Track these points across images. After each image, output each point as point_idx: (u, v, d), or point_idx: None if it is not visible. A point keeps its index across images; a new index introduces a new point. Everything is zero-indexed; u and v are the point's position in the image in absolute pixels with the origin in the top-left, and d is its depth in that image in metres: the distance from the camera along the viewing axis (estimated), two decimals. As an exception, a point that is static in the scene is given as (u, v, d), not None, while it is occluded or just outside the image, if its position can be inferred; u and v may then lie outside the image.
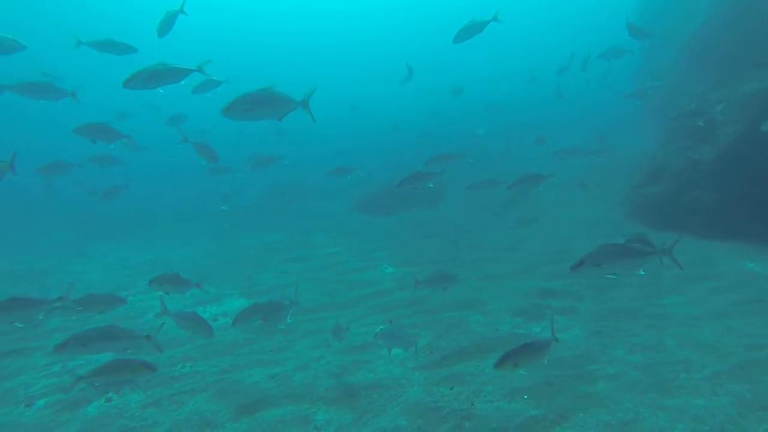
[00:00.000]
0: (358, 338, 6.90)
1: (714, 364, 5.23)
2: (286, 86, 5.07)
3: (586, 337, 6.30)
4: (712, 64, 13.27)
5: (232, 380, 5.88)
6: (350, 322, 7.61)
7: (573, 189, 17.56)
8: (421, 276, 6.74)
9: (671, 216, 11.42)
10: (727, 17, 13.31)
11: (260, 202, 23.60)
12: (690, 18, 15.67)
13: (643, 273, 4.55)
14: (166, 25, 8.76)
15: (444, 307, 7.94)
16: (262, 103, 4.87)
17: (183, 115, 14.69)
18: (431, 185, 7.96)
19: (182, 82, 6.03)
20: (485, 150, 22.02)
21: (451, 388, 5.22)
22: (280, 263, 12.19)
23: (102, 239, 18.01)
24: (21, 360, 7.36)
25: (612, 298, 7.73)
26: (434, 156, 9.30)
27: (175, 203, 24.59)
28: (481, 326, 7.01)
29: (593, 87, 20.75)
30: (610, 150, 16.52)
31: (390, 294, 8.96)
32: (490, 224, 15.20)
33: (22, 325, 5.10)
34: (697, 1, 15.39)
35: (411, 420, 4.65)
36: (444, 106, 28.63)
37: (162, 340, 7.36)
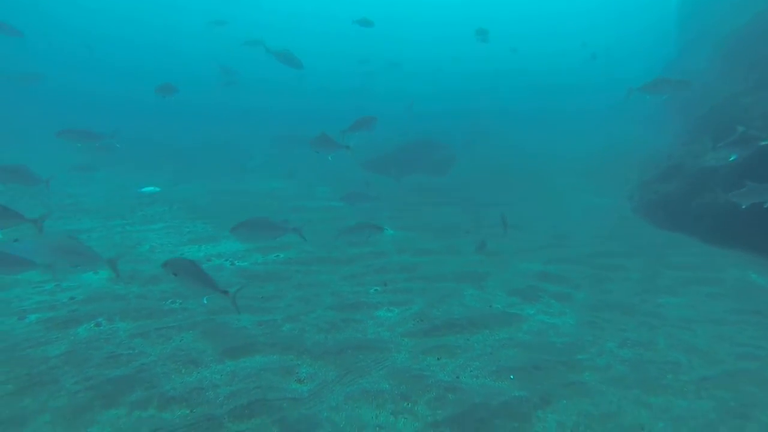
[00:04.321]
0: (351, 297, 6.87)
1: (703, 369, 5.20)
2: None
3: (578, 326, 6.26)
4: (747, 65, 12.74)
5: (220, 322, 5.87)
6: (345, 279, 7.61)
7: (583, 177, 17.36)
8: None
9: (679, 217, 11.25)
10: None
11: (268, 149, 23.38)
12: (730, 16, 15.00)
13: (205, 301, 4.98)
14: None
15: (441, 277, 7.89)
16: None
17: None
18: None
19: None
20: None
21: (438, 359, 5.21)
22: (281, 212, 12.10)
23: (108, 165, 17.87)
24: (15, 274, 7.38)
25: (609, 290, 7.67)
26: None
27: (183, 142, 24.32)
28: (475, 300, 6.97)
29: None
30: None
31: (387, 256, 8.91)
32: (497, 199, 15.02)
33: None
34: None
35: (394, 385, 4.64)
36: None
37: (152, 275, 7.39)
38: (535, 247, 10.01)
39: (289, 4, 53.23)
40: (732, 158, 8.29)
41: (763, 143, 7.61)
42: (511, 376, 4.90)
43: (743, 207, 7.83)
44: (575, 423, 4.17)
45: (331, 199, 14.13)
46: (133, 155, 19.69)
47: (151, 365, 4.85)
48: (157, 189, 11.08)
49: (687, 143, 12.73)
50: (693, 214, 10.92)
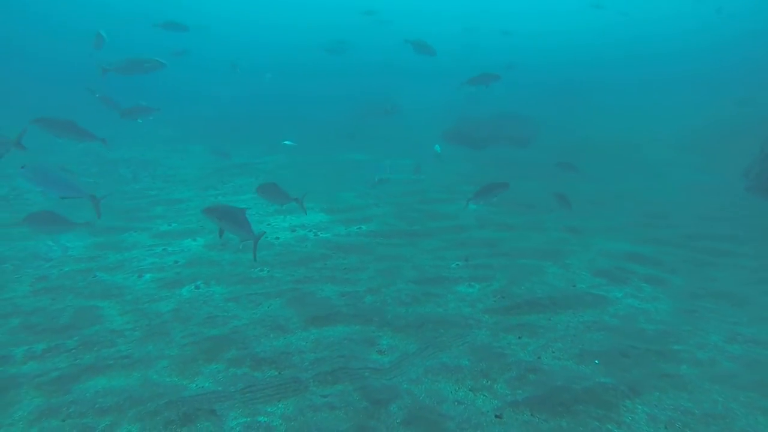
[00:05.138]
0: (432, 271, 6.88)
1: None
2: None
3: (674, 314, 5.80)
4: None
5: (305, 291, 6.16)
6: (427, 253, 7.63)
7: (686, 151, 15.80)
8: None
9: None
10: None
11: (346, 121, 23.68)
12: None
13: None
14: None
15: (523, 253, 7.65)
16: None
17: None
18: None
19: None
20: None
21: (519, 338, 5.09)
22: (362, 183, 12.30)
23: (201, 140, 19.10)
24: (134, 236, 8.29)
25: (714, 277, 6.99)
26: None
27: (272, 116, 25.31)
28: (558, 279, 6.70)
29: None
30: None
31: (469, 230, 8.78)
32: (585, 175, 14.11)
33: None
34: None
35: (474, 361, 4.63)
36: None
37: (243, 244, 7.88)
38: (624, 226, 9.36)
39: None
40: None
41: None
42: (596, 361, 4.68)
43: None
44: (670, 419, 3.89)
45: (411, 172, 14.13)
46: (222, 132, 20.91)
47: (243, 328, 5.24)
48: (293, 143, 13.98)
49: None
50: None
